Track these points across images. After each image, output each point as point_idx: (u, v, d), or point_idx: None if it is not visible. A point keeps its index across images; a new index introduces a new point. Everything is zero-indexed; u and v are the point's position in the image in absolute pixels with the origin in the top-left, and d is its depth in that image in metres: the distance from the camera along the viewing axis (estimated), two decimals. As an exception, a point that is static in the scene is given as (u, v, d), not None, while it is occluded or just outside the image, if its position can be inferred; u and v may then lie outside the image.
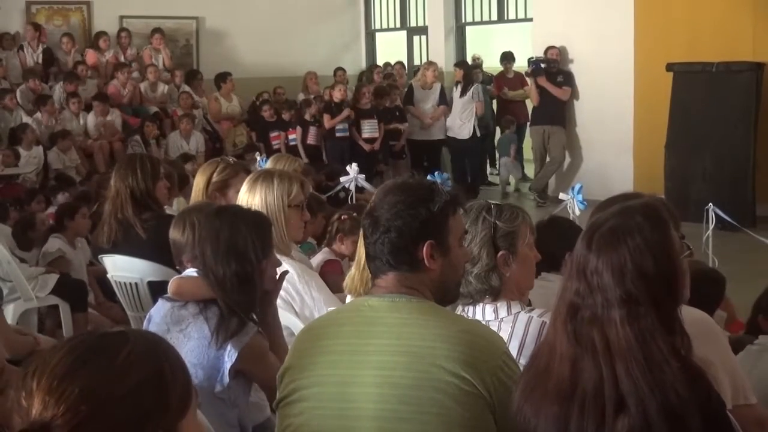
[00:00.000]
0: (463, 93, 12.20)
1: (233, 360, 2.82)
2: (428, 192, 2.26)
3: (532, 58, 11.89)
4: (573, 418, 1.86)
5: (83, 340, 1.44)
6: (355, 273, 3.34)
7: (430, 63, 13.00)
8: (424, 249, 2.22)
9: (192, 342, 2.86)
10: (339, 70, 13.34)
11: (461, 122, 12.23)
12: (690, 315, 2.02)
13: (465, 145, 12.30)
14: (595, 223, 1.99)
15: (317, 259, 4.70)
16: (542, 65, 11.69)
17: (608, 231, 1.94)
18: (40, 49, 12.14)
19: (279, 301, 3.61)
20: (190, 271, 3.19)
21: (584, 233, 1.99)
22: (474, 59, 13.75)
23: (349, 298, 3.35)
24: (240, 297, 2.90)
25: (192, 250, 3.00)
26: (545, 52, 11.75)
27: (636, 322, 1.87)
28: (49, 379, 1.35)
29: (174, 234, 3.59)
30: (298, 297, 3.71)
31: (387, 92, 12.37)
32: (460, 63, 12.90)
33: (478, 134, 12.38)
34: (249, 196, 3.86)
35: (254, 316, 2.96)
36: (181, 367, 1.48)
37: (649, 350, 1.85)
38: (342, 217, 4.77)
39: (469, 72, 12.52)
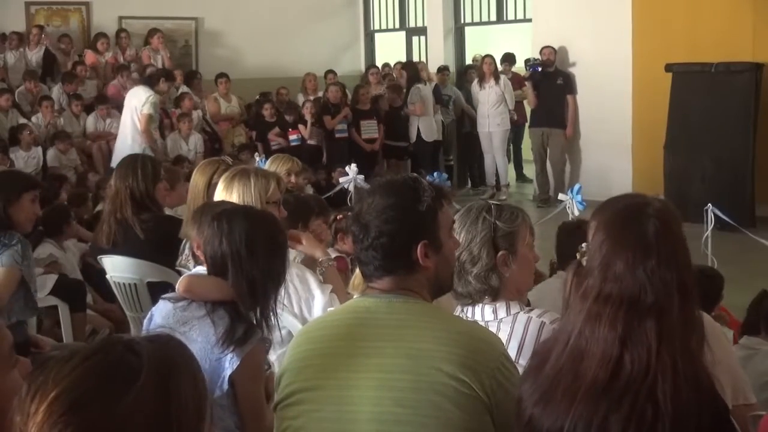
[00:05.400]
0: (407, 95, 12.22)
1: (234, 368, 2.79)
2: (414, 192, 2.23)
3: (529, 60, 11.89)
4: (612, 415, 1.82)
5: (91, 368, 1.34)
6: (357, 271, 3.33)
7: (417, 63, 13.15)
8: (419, 250, 2.21)
9: (195, 345, 2.77)
10: (330, 73, 13.34)
11: (410, 126, 12.28)
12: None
13: (419, 148, 12.27)
14: (630, 221, 1.94)
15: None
16: (539, 69, 11.67)
17: (659, 223, 1.91)
18: (40, 50, 12.13)
19: None
20: (200, 269, 3.16)
21: (623, 233, 1.93)
22: (474, 60, 13.75)
23: (356, 296, 3.34)
24: (270, 295, 2.88)
25: (216, 249, 2.95)
26: (540, 52, 11.74)
27: (686, 309, 1.86)
28: (46, 413, 1.30)
29: (188, 230, 3.55)
30: (284, 293, 3.69)
31: (382, 96, 12.42)
32: (407, 64, 12.85)
33: (427, 138, 12.24)
34: (226, 194, 3.83)
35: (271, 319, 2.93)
36: (193, 394, 1.39)
37: (689, 339, 1.85)
38: (338, 217, 4.80)
39: (414, 73, 12.45)
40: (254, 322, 2.86)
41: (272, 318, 2.91)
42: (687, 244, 1.93)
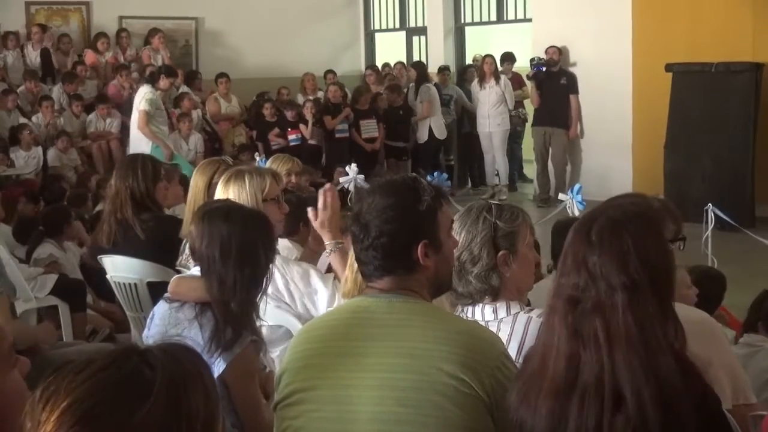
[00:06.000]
0: (416, 95, 12.20)
1: (221, 371, 2.79)
2: (414, 192, 2.24)
3: (533, 59, 11.90)
4: (572, 413, 1.86)
5: (104, 379, 1.33)
6: (348, 276, 3.23)
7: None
8: (419, 250, 2.21)
9: None
10: (329, 73, 13.34)
11: (421, 125, 12.31)
12: (691, 315, 2.03)
13: (422, 148, 12.30)
14: (587, 219, 1.99)
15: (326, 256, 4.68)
16: (543, 68, 11.68)
17: (607, 222, 1.94)
18: (38, 50, 12.14)
19: (272, 303, 3.59)
20: (195, 270, 3.16)
21: (578, 229, 1.98)
22: (474, 60, 13.75)
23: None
24: (247, 302, 2.86)
25: (198, 249, 2.95)
26: (545, 52, 11.76)
27: (638, 308, 1.87)
28: (57, 423, 1.29)
29: (188, 229, 3.53)
30: (286, 293, 3.68)
31: (381, 95, 12.44)
32: (415, 63, 12.85)
33: (440, 136, 12.33)
34: (223, 197, 3.83)
35: (254, 322, 2.91)
36: (204, 404, 1.37)
37: (647, 338, 1.86)
38: None
39: (423, 73, 12.46)
40: (238, 323, 2.84)
41: (253, 320, 2.89)
42: (658, 247, 1.94)
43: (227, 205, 3.21)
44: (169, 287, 3.07)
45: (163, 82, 10.54)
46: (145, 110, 10.01)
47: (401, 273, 2.23)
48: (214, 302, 2.86)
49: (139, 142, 9.99)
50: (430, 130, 12.23)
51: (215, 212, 2.97)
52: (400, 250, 2.21)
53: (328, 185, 3.70)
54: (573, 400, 1.86)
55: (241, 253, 2.85)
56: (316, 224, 3.62)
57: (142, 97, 10.10)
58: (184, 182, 5.24)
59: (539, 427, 1.90)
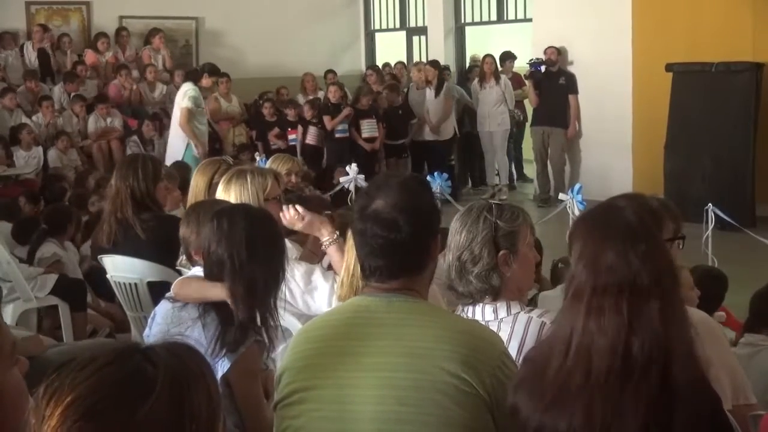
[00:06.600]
0: (437, 93, 12.23)
1: (225, 370, 2.79)
2: (429, 187, 2.31)
3: (531, 59, 11.91)
4: (617, 403, 1.86)
5: (107, 376, 1.34)
6: (344, 279, 3.19)
7: (416, 63, 13.20)
8: (435, 244, 2.25)
9: None
10: (330, 73, 13.35)
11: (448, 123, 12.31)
12: (692, 315, 2.03)
13: (447, 146, 12.35)
14: (609, 215, 2.02)
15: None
16: (541, 68, 11.69)
17: (641, 213, 1.99)
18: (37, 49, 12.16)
19: None
20: (196, 270, 3.16)
21: (609, 226, 1.99)
22: (473, 60, 13.75)
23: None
24: (271, 301, 2.87)
25: (214, 250, 2.95)
26: (544, 52, 11.77)
27: (677, 290, 1.93)
28: (61, 418, 1.30)
29: (183, 230, 3.54)
30: (287, 291, 3.67)
31: (380, 94, 12.47)
32: (432, 62, 12.91)
33: (458, 134, 12.45)
34: (225, 197, 3.83)
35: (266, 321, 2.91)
36: (207, 404, 1.38)
37: (686, 320, 1.91)
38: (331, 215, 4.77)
39: (441, 71, 12.51)
40: (248, 323, 2.85)
41: (272, 318, 2.90)
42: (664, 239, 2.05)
43: (238, 205, 3.22)
44: (173, 289, 3.05)
45: (206, 81, 10.36)
46: (188, 107, 9.74)
47: (414, 272, 2.23)
48: (241, 302, 2.83)
49: (176, 140, 9.86)
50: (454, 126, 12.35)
51: (231, 213, 2.97)
52: (424, 245, 2.23)
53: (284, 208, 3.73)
54: (630, 389, 1.86)
55: (267, 252, 2.87)
56: (302, 228, 3.65)
57: (185, 93, 9.86)
58: (183, 186, 5.23)
59: (575, 426, 1.90)
